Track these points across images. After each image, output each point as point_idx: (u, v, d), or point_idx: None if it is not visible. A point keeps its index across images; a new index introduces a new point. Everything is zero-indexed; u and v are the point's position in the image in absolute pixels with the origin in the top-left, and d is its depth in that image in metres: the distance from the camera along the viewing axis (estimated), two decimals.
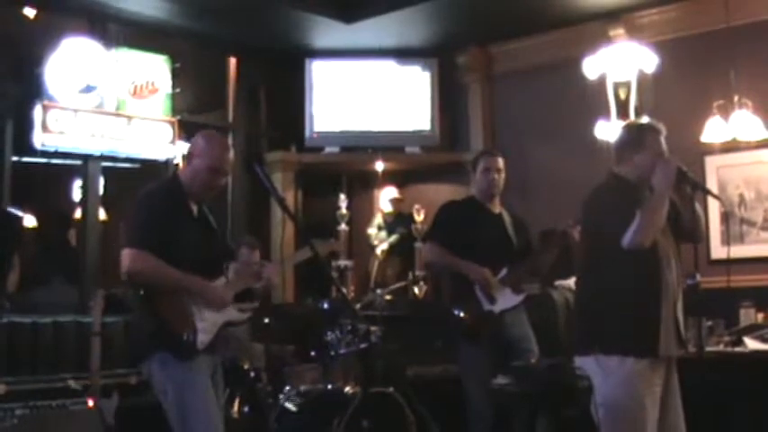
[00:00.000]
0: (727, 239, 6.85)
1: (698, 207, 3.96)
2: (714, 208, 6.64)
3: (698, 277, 4.08)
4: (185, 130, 8.02)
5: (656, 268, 3.76)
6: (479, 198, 5.27)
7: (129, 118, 7.78)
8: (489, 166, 5.20)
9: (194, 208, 3.94)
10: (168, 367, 3.69)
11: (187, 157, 3.95)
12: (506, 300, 5.08)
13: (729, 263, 4.64)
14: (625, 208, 3.75)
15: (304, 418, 5.19)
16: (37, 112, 7.19)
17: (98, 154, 7.63)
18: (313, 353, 5.74)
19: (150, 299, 3.73)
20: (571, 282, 6.35)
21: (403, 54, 8.83)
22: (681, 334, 3.84)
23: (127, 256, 3.69)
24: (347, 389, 5.23)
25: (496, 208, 5.28)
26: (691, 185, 3.90)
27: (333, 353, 5.46)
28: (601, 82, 7.40)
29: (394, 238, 8.83)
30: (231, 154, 4.00)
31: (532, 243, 5.35)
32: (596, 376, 3.76)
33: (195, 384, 3.71)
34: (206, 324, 3.78)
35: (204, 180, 3.89)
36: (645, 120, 4.14)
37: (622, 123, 6.98)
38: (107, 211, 8.47)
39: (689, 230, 3.91)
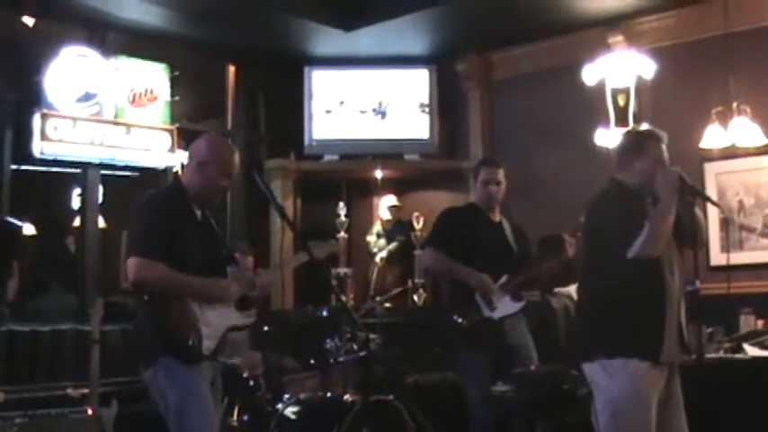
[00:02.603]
0: (726, 246, 6.83)
1: (698, 213, 3.97)
2: (713, 214, 6.63)
3: (698, 284, 4.07)
4: (184, 137, 8.03)
5: (659, 275, 3.76)
6: (480, 205, 5.27)
7: (128, 126, 7.78)
8: (488, 179, 5.21)
9: (198, 212, 3.94)
10: (172, 372, 3.67)
11: (195, 164, 3.93)
12: (506, 307, 5.07)
13: (729, 269, 4.63)
14: (627, 215, 3.75)
15: (303, 426, 5.19)
16: (36, 120, 7.19)
17: (97, 162, 7.63)
18: (312, 360, 5.74)
19: (155, 304, 3.71)
20: (570, 289, 6.36)
21: (402, 61, 8.83)
22: (684, 340, 3.85)
23: (132, 265, 3.66)
24: (346, 396, 5.23)
25: (497, 216, 5.28)
26: (690, 193, 3.90)
27: (332, 360, 5.46)
28: (600, 88, 7.40)
29: (393, 245, 8.82)
30: (237, 156, 4.02)
31: (531, 252, 5.36)
32: (601, 381, 3.76)
33: (196, 391, 3.70)
34: (210, 329, 3.76)
35: (218, 186, 3.93)
36: (646, 127, 4.14)
37: (623, 130, 7.01)
38: (106, 219, 8.47)
39: (689, 237, 3.91)
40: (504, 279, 5.08)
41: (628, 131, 4.50)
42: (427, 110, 8.86)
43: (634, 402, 3.70)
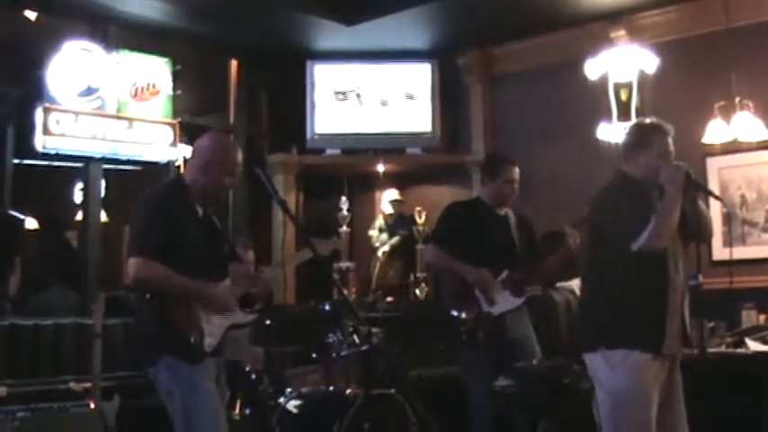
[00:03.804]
0: (729, 241, 6.82)
1: (702, 206, 3.97)
2: (716, 209, 6.61)
3: (700, 278, 4.07)
4: (186, 132, 8.03)
5: (664, 268, 3.77)
6: (487, 201, 5.26)
7: (131, 120, 7.78)
8: (512, 178, 5.20)
9: (199, 210, 3.94)
10: (175, 371, 3.68)
11: (199, 164, 3.92)
12: (506, 302, 5.06)
13: (731, 264, 4.63)
14: (632, 208, 3.76)
15: (305, 420, 5.19)
16: (38, 114, 7.19)
17: (99, 156, 7.63)
18: (314, 355, 5.74)
19: (157, 302, 3.71)
20: (572, 283, 6.37)
21: (404, 56, 8.83)
22: (687, 333, 3.85)
23: (132, 264, 3.67)
24: (348, 391, 5.23)
25: (502, 210, 5.27)
26: (694, 188, 3.91)
27: (334, 355, 5.46)
28: (602, 83, 7.40)
29: (395, 239, 8.83)
30: (240, 154, 4.02)
31: (535, 241, 5.34)
32: (602, 373, 3.77)
33: (201, 389, 3.70)
34: (212, 327, 3.77)
35: (223, 185, 3.93)
36: (652, 120, 4.12)
37: (625, 125, 7.00)
38: (108, 213, 8.48)
39: (694, 230, 3.92)
40: (504, 274, 5.08)
41: (633, 124, 4.48)
42: (429, 104, 8.85)
43: (635, 395, 3.70)
